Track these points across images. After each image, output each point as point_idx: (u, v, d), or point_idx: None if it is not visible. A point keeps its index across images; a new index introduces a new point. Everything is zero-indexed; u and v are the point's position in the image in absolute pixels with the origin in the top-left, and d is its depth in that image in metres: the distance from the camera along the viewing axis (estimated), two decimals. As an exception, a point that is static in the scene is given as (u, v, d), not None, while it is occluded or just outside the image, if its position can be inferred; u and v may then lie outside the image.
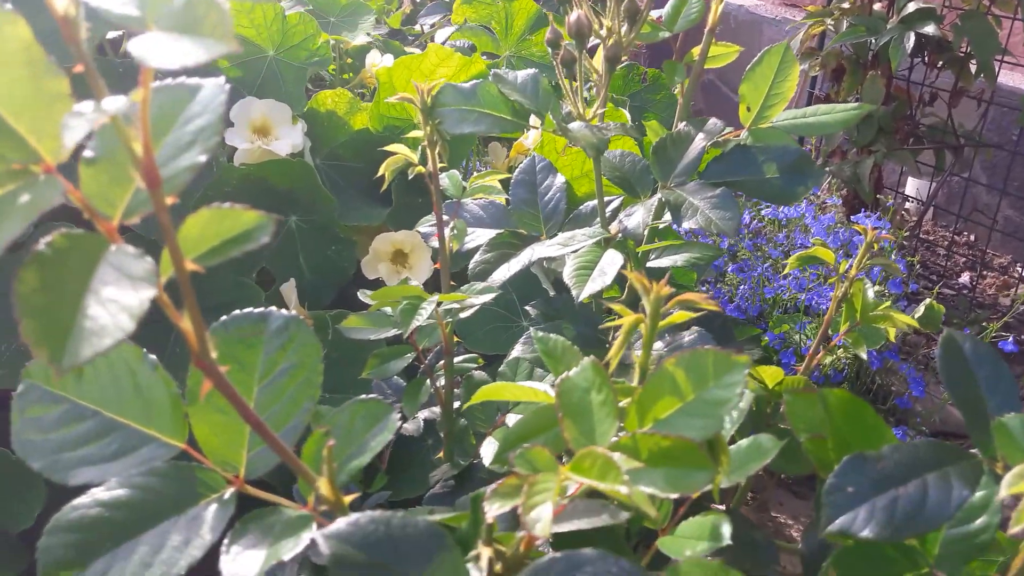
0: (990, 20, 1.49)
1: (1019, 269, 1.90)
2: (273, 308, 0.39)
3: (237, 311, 0.38)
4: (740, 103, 0.67)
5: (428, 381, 0.68)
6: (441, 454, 0.69)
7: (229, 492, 0.36)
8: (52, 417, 0.39)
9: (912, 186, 2.08)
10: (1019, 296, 1.49)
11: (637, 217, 0.64)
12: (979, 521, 0.44)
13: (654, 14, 0.67)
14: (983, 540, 0.44)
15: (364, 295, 0.69)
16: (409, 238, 0.94)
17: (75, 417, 0.39)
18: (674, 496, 0.33)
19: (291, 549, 0.32)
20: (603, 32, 0.60)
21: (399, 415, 0.40)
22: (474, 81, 0.60)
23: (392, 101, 0.77)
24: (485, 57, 1.41)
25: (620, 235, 0.65)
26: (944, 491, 0.38)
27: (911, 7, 1.49)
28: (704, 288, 1.30)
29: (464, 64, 0.98)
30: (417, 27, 1.75)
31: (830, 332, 0.73)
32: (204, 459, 0.37)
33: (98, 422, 0.38)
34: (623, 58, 0.64)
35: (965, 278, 1.89)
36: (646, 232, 0.65)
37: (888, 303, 0.71)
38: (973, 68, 1.53)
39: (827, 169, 1.66)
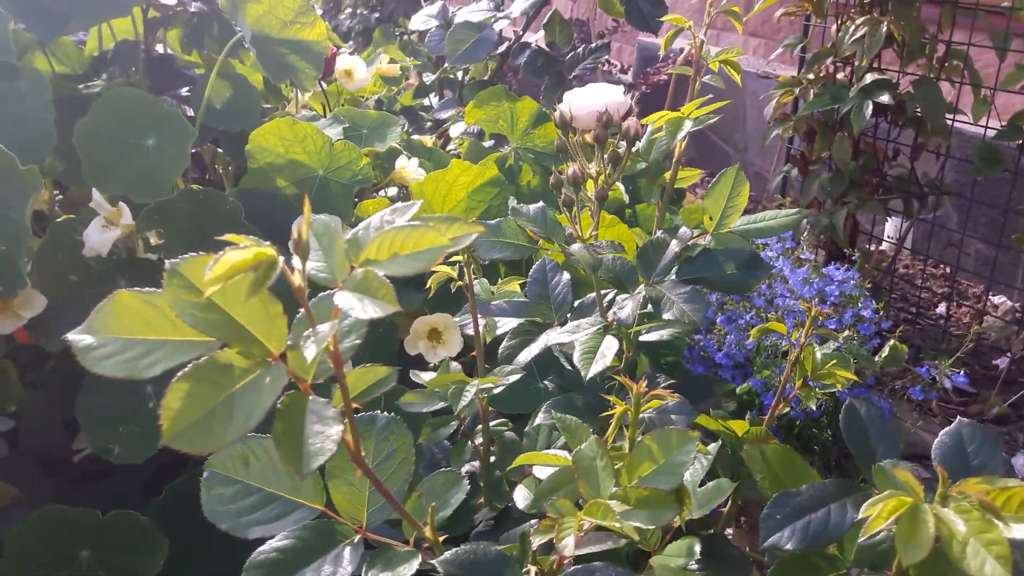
0: (939, 86, 1.68)
1: (991, 298, 2.07)
2: (378, 412, 0.57)
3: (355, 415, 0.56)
4: (703, 214, 0.86)
5: (468, 442, 0.86)
6: (482, 500, 0.87)
7: (358, 538, 0.54)
8: (230, 493, 0.57)
9: (892, 225, 2.26)
10: (978, 329, 1.66)
11: (627, 309, 0.83)
12: (881, 535, 0.62)
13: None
14: (884, 547, 0.62)
15: (417, 376, 0.88)
16: (443, 319, 1.12)
17: (246, 493, 0.57)
18: (652, 527, 0.51)
19: (407, 572, 0.50)
20: (593, 173, 0.79)
21: (468, 482, 0.58)
22: (498, 219, 0.80)
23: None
24: (493, 141, 1.62)
25: (615, 323, 0.83)
26: (841, 514, 0.56)
27: (869, 78, 1.69)
28: (697, 337, 1.48)
29: (480, 172, 1.17)
30: (430, 114, 1.95)
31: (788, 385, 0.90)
32: (338, 517, 0.55)
33: (263, 496, 0.57)
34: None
35: (942, 308, 2.06)
36: (636, 319, 0.84)
37: (834, 361, 0.89)
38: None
39: (805, 221, 1.85)
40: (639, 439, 0.55)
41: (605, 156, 0.79)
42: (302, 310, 0.44)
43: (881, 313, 1.51)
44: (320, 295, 0.45)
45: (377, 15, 3.43)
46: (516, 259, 0.82)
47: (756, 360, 1.42)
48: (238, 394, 0.42)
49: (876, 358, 1.35)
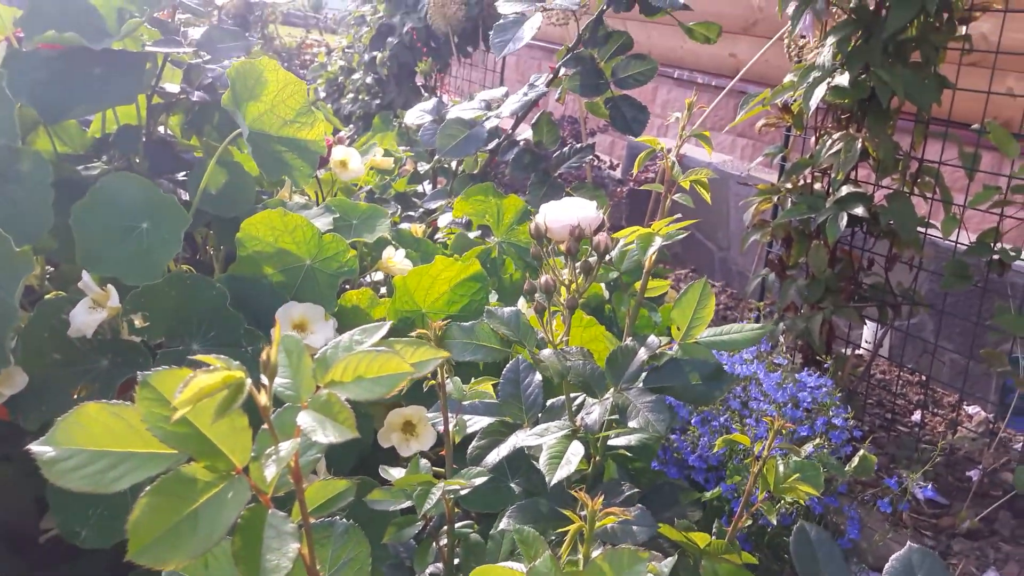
0: (911, 201, 1.74)
1: (965, 408, 2.09)
2: (336, 519, 0.59)
3: (312, 520, 0.58)
4: (671, 324, 0.89)
5: (433, 543, 0.87)
6: (446, 603, 0.87)
7: (311, 647, 0.55)
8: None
9: (869, 329, 2.30)
10: (948, 442, 1.68)
11: (595, 414, 0.85)
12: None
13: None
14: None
15: (386, 472, 0.89)
16: (416, 411, 1.14)
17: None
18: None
19: None
20: (565, 281, 0.83)
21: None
22: (472, 322, 0.83)
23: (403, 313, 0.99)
24: (480, 231, 1.66)
25: (583, 428, 0.85)
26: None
27: (844, 190, 1.75)
28: (672, 437, 1.49)
29: (463, 267, 1.21)
30: (422, 200, 2.01)
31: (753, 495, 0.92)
32: (294, 624, 0.56)
33: (221, 598, 0.57)
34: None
35: (917, 416, 2.08)
36: (604, 424, 0.86)
37: (796, 475, 0.91)
38: (903, 237, 1.78)
39: (781, 324, 1.89)
40: (593, 555, 0.56)
41: (577, 267, 0.82)
42: (265, 424, 0.46)
43: (854, 421, 1.53)
44: (284, 407, 0.47)
45: (378, 102, 3.55)
46: (488, 361, 0.84)
47: (729, 464, 1.43)
48: (202, 508, 0.44)
49: (847, 467, 1.36)
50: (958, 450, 1.83)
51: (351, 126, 3.64)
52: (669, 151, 0.92)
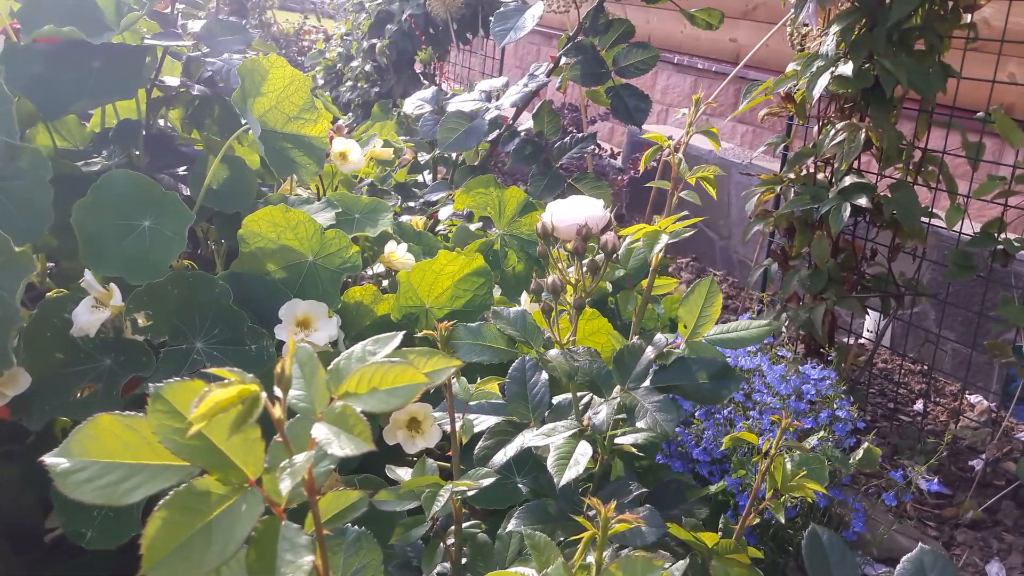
0: (915, 191, 1.73)
1: (967, 398, 2.09)
2: (349, 525, 0.58)
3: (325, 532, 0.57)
4: (678, 323, 0.89)
5: (441, 544, 0.87)
6: (454, 602, 0.87)
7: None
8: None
9: (871, 319, 2.30)
10: (953, 432, 1.68)
11: (602, 414, 0.85)
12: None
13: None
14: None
15: (393, 472, 0.89)
16: (422, 408, 1.13)
17: (216, 602, 0.57)
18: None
19: None
20: (572, 280, 0.82)
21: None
22: (479, 323, 0.82)
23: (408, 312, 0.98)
24: (481, 223, 1.66)
25: (590, 428, 0.85)
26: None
27: (847, 180, 1.74)
28: (677, 431, 1.49)
29: (467, 262, 1.20)
30: (423, 191, 2.00)
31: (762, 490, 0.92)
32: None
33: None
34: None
35: (919, 405, 2.09)
36: (611, 424, 0.85)
37: (803, 472, 0.91)
38: (907, 227, 1.77)
39: (784, 315, 1.88)
40: (607, 562, 0.56)
41: (584, 266, 0.82)
42: (279, 436, 0.45)
43: (857, 412, 1.53)
44: (298, 418, 0.47)
45: (377, 89, 3.52)
46: (495, 363, 0.84)
47: (733, 458, 1.43)
48: (215, 521, 0.43)
49: (851, 459, 1.36)
50: (961, 440, 1.83)
51: (350, 114, 3.62)
52: (676, 147, 0.91)
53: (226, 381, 0.40)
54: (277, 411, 0.42)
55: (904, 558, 0.67)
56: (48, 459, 0.43)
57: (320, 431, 0.42)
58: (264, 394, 0.41)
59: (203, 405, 0.39)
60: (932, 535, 1.55)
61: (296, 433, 0.46)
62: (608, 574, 0.55)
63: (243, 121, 1.20)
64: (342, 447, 0.41)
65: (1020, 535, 1.56)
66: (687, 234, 0.85)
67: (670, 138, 0.93)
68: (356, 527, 0.60)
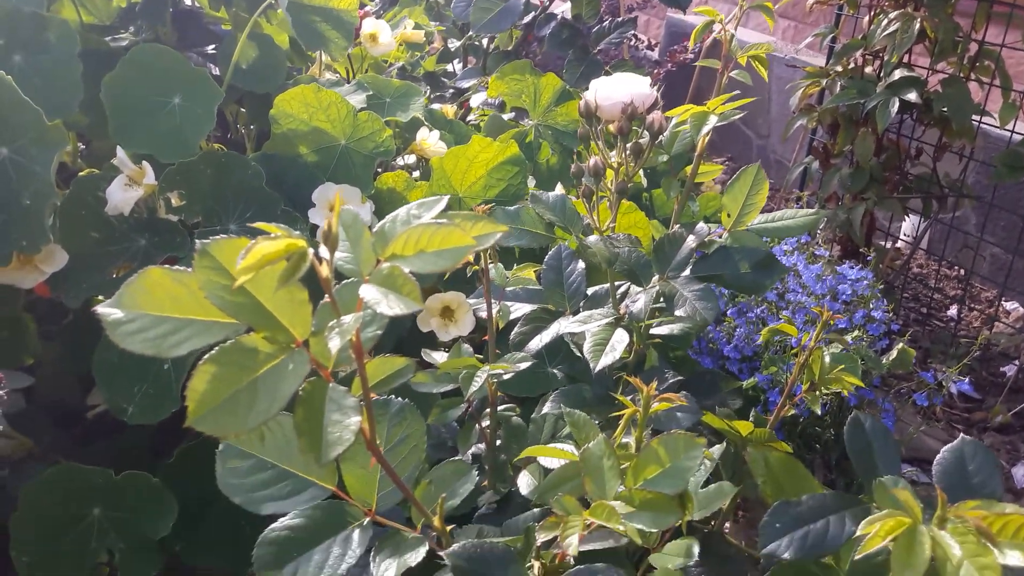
0: (968, 87, 1.66)
1: (1003, 304, 2.06)
2: (393, 396, 0.58)
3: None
4: (722, 212, 0.86)
5: (476, 425, 0.87)
6: (486, 483, 0.88)
7: (367, 521, 0.56)
8: (244, 467, 0.58)
9: (909, 223, 2.25)
10: (987, 336, 1.66)
11: (640, 303, 0.83)
12: (876, 548, 0.63)
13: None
14: (879, 561, 0.63)
15: (429, 356, 0.89)
16: (456, 297, 1.12)
17: (260, 467, 0.58)
18: (655, 531, 0.52)
19: (414, 559, 0.51)
20: (614, 165, 0.79)
21: (476, 472, 0.59)
22: (517, 206, 0.80)
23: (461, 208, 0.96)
24: (513, 113, 1.61)
25: (627, 316, 0.84)
26: (839, 527, 0.57)
27: (897, 74, 1.67)
28: (708, 328, 1.48)
29: (501, 149, 1.17)
30: (452, 81, 1.94)
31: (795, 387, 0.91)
32: (349, 498, 0.57)
33: (276, 472, 0.58)
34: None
35: (953, 311, 2.06)
36: (648, 313, 0.84)
37: (841, 366, 0.89)
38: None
39: (822, 214, 1.84)
40: (646, 440, 0.56)
41: (627, 148, 0.79)
42: (327, 297, 0.44)
43: (892, 314, 1.51)
44: (345, 283, 0.46)
45: (404, -25, 3.39)
46: (533, 247, 0.82)
47: (764, 355, 1.43)
48: (261, 379, 0.43)
49: (884, 360, 1.35)
50: (994, 346, 1.81)
51: (376, 0, 3.50)
52: (726, 24, 0.86)
53: (273, 235, 0.39)
54: (325, 270, 0.41)
55: (944, 448, 0.66)
56: (101, 309, 0.42)
57: (368, 291, 0.41)
58: (311, 251, 0.40)
59: (249, 257, 0.38)
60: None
61: (343, 296, 0.45)
62: (651, 450, 0.54)
63: (271, -5, 1.16)
64: (391, 307, 0.40)
65: (1048, 440, 1.56)
66: (737, 116, 0.81)
67: (723, 17, 0.88)
68: (399, 399, 0.60)
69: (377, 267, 0.42)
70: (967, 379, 1.50)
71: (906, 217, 1.96)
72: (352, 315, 0.42)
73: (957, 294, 2.11)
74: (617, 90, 0.78)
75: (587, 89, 0.81)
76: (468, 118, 1.76)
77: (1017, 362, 1.73)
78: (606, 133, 0.83)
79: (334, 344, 0.40)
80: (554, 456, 0.61)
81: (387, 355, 0.49)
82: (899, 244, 2.13)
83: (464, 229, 0.42)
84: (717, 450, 0.69)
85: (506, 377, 0.82)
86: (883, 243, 2.06)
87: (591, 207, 0.81)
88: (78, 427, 1.15)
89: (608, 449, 0.55)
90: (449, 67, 2.19)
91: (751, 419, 0.97)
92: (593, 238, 0.79)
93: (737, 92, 0.85)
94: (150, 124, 1.03)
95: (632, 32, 1.63)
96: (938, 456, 0.66)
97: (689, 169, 0.87)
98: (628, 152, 0.79)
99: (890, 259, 1.94)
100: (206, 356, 0.42)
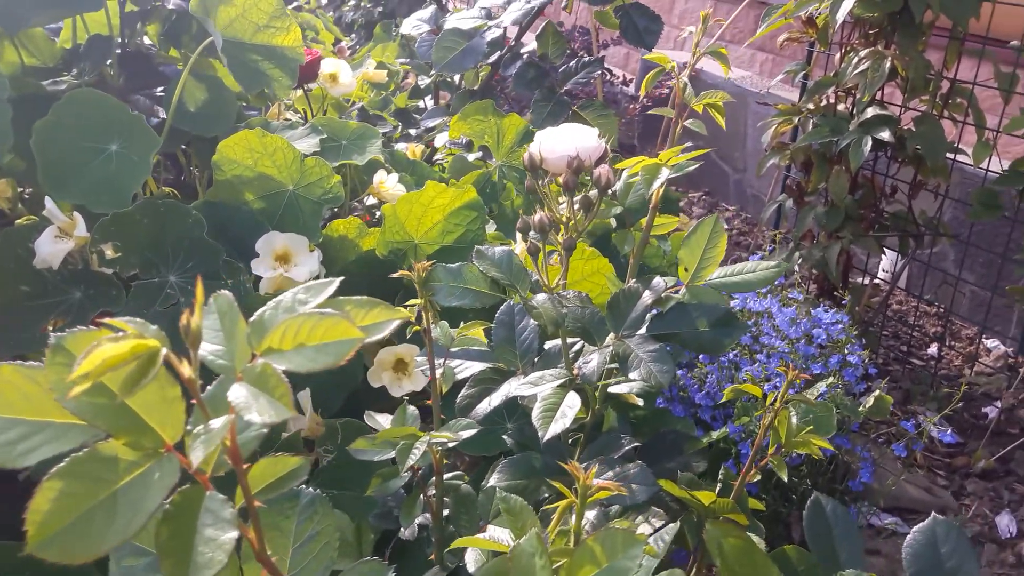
0: (941, 124, 1.63)
1: (984, 342, 2.02)
2: (303, 488, 0.53)
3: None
4: (679, 265, 0.81)
5: (421, 495, 0.82)
6: (432, 556, 0.82)
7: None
8: (141, 566, 0.53)
9: (887, 259, 2.22)
10: (968, 378, 1.62)
11: (593, 363, 0.78)
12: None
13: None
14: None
15: (372, 419, 0.83)
16: (409, 350, 1.07)
17: (156, 568, 0.52)
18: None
19: None
20: (562, 218, 0.75)
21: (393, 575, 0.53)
22: (459, 264, 0.75)
23: (391, 252, 0.91)
24: (480, 152, 1.57)
25: (580, 379, 0.78)
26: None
27: (870, 112, 1.64)
28: (679, 373, 1.43)
29: (458, 195, 1.12)
30: (421, 119, 1.90)
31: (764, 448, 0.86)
32: (251, 604, 0.51)
33: (172, 572, 0.52)
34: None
35: (933, 349, 2.02)
36: (602, 373, 0.79)
37: (809, 428, 0.84)
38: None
39: (797, 254, 1.80)
40: (584, 535, 0.50)
41: (576, 202, 0.74)
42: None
43: (869, 356, 1.47)
44: (219, 380, 0.41)
45: (380, 9, 3.38)
46: (478, 307, 0.77)
47: (737, 403, 1.38)
48: (121, 492, 0.37)
49: (860, 407, 1.30)
50: (975, 386, 1.77)
51: (352, 35, 3.48)
52: (682, 69, 0.83)
53: (120, 334, 0.34)
54: (186, 369, 0.36)
55: (915, 528, 0.61)
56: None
57: (238, 393, 0.36)
58: (165, 350, 0.34)
59: (88, 362, 0.32)
60: (942, 484, 1.50)
61: (217, 395, 0.39)
62: (586, 549, 0.49)
63: (209, 32, 1.11)
64: (260, 413, 0.34)
65: (1032, 485, 1.51)
66: (691, 168, 0.77)
67: (675, 64, 0.84)
68: (312, 489, 0.54)
69: (251, 363, 0.37)
70: (949, 428, 1.45)
71: (883, 255, 1.93)
72: (222, 419, 0.36)
73: (937, 331, 2.07)
74: (562, 143, 0.74)
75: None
76: (436, 158, 1.72)
77: (999, 403, 1.68)
78: (555, 186, 0.78)
79: (196, 456, 0.35)
80: (487, 547, 0.56)
81: (278, 454, 0.44)
82: (877, 280, 2.10)
83: (353, 318, 0.37)
84: (670, 530, 0.63)
85: (450, 445, 0.77)
86: (860, 280, 2.02)
87: (540, 264, 0.76)
88: (11, 487, 1.08)
89: (540, 547, 0.49)
90: (421, 103, 2.15)
91: (720, 477, 0.92)
92: (541, 297, 0.74)
93: (702, 135, 0.81)
94: (82, 172, 0.98)
95: (600, 71, 1.59)
96: (908, 538, 0.61)
97: (644, 221, 0.82)
98: (577, 206, 0.75)
99: (868, 297, 1.90)
100: (52, 471, 0.36)
